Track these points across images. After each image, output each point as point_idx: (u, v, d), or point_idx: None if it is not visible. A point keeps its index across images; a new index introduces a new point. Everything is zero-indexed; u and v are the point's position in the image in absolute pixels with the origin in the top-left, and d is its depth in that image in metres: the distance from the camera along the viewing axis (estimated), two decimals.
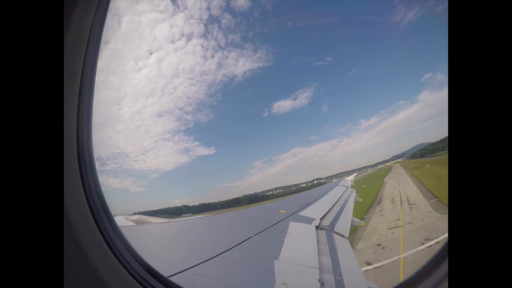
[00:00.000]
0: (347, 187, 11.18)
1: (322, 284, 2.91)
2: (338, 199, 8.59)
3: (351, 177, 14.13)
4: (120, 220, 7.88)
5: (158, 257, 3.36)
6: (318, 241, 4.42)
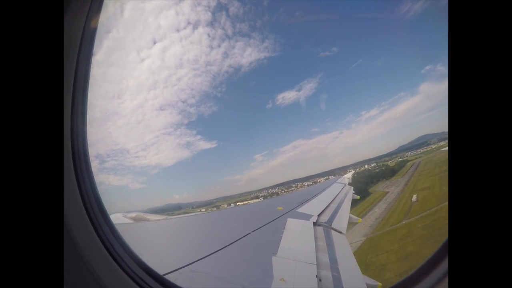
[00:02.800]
0: (345, 184, 11.24)
1: (320, 280, 2.94)
2: (336, 196, 8.65)
3: (349, 175, 14.19)
4: (118, 218, 7.84)
5: (156, 254, 3.36)
6: (315, 238, 4.46)
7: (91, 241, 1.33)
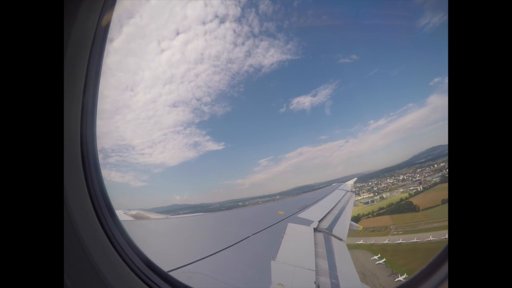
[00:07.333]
0: (347, 191, 11.15)
1: (318, 286, 2.91)
2: (337, 203, 8.57)
3: (351, 182, 14.08)
4: (119, 215, 7.85)
5: (155, 253, 3.36)
6: (315, 243, 4.42)
7: (96, 235, 1.35)
